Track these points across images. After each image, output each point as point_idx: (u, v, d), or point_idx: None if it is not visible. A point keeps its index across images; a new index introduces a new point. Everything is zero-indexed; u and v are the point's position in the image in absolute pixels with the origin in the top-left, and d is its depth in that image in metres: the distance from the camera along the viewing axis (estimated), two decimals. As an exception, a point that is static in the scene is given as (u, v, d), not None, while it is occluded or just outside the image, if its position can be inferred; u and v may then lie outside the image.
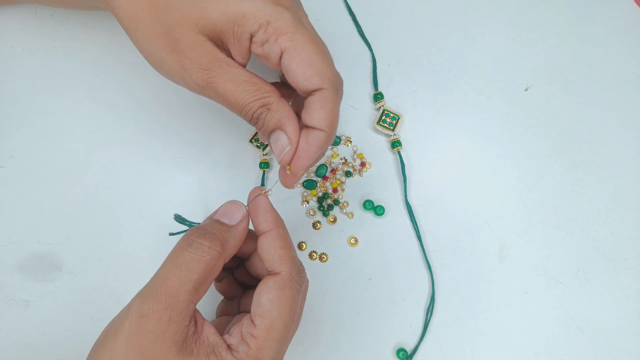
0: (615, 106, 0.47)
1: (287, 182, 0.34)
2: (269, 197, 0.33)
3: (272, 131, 0.32)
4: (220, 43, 0.32)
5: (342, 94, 0.33)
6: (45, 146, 0.44)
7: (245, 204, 0.33)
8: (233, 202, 0.32)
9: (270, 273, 0.31)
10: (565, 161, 0.45)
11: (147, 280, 0.30)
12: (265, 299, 0.30)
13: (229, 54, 0.32)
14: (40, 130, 0.44)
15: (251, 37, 0.31)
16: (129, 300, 0.30)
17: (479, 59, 0.48)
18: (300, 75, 0.31)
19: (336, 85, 0.32)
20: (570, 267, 0.43)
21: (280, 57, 0.31)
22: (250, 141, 0.44)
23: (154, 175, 0.43)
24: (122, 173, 0.43)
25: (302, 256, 0.43)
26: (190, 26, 0.31)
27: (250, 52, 0.32)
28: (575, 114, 0.46)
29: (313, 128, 0.32)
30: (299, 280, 0.31)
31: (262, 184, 0.43)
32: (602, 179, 0.45)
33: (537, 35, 0.48)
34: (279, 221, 0.32)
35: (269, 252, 0.31)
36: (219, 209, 0.32)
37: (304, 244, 0.43)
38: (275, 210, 0.33)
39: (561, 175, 0.45)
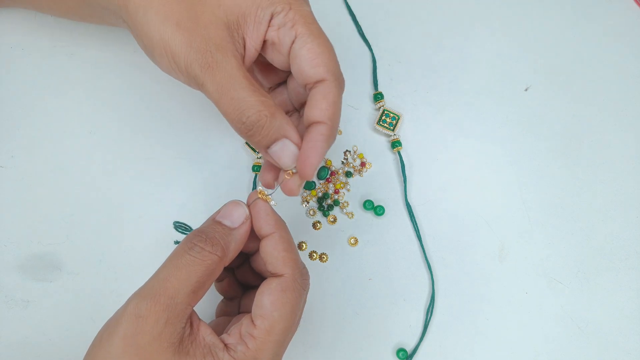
0: (615, 106, 0.47)
1: (292, 189, 0.33)
2: (272, 205, 0.33)
3: (275, 140, 0.31)
4: (237, 30, 0.32)
5: (343, 91, 0.33)
6: (45, 146, 0.44)
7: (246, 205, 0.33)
8: (235, 203, 0.32)
9: (274, 275, 0.31)
10: (565, 161, 0.45)
11: (147, 280, 0.30)
12: (267, 300, 0.30)
13: (242, 46, 0.32)
14: (40, 130, 0.44)
15: (270, 19, 0.32)
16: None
17: (479, 59, 0.48)
18: (309, 61, 0.31)
19: (339, 80, 0.32)
20: (570, 267, 0.43)
21: (292, 43, 0.32)
22: (246, 143, 0.44)
23: (154, 176, 0.43)
24: (122, 173, 0.43)
25: (302, 256, 0.43)
26: (214, 5, 0.31)
27: (263, 40, 0.33)
28: (575, 114, 0.46)
29: (315, 123, 0.31)
30: (302, 283, 0.31)
31: (254, 188, 0.43)
32: (602, 179, 0.45)
33: (537, 35, 0.48)
34: (280, 224, 0.32)
35: (272, 254, 0.31)
36: (220, 209, 0.32)
37: (304, 244, 0.43)
38: (277, 213, 0.32)
39: (561, 175, 0.45)
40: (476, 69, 0.47)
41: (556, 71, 0.47)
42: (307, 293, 0.32)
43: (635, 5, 0.49)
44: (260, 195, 0.32)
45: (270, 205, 0.32)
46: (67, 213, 0.42)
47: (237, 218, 0.32)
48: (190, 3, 0.31)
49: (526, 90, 0.47)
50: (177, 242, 0.42)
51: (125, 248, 0.42)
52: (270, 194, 0.33)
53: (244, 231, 0.32)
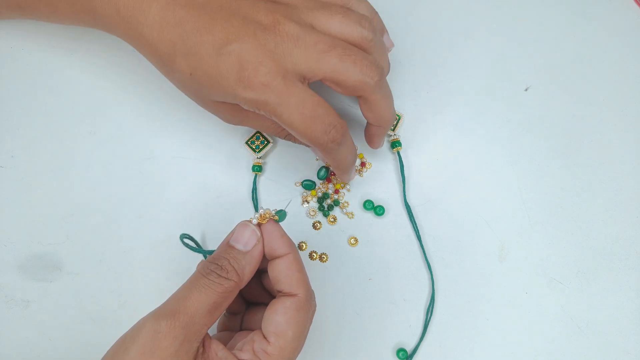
0: (615, 106, 0.47)
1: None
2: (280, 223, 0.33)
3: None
4: None
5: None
6: (45, 146, 0.44)
7: (252, 219, 0.33)
8: (245, 226, 0.33)
9: (285, 294, 0.32)
10: (565, 161, 0.45)
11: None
12: (282, 319, 0.31)
13: None
14: (40, 130, 0.44)
15: None
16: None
17: (479, 59, 0.48)
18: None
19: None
20: (570, 267, 0.43)
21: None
22: (246, 143, 0.44)
23: (154, 176, 0.43)
24: (122, 173, 0.43)
25: (302, 256, 0.43)
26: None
27: None
28: (575, 114, 0.46)
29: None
30: (312, 304, 0.32)
31: (254, 188, 0.43)
32: (602, 179, 0.45)
33: (537, 35, 0.48)
34: (292, 244, 0.33)
35: (286, 275, 0.32)
36: (232, 232, 0.33)
37: (304, 244, 0.43)
38: (287, 234, 0.33)
39: (561, 175, 0.45)
40: (476, 69, 0.47)
41: (556, 71, 0.47)
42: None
43: (635, 5, 0.49)
44: (269, 217, 0.33)
45: (281, 226, 0.33)
46: (67, 213, 0.42)
47: (249, 241, 0.32)
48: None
49: (526, 90, 0.47)
50: (183, 236, 0.37)
51: (125, 248, 0.42)
52: (284, 209, 0.34)
53: (257, 254, 0.32)
